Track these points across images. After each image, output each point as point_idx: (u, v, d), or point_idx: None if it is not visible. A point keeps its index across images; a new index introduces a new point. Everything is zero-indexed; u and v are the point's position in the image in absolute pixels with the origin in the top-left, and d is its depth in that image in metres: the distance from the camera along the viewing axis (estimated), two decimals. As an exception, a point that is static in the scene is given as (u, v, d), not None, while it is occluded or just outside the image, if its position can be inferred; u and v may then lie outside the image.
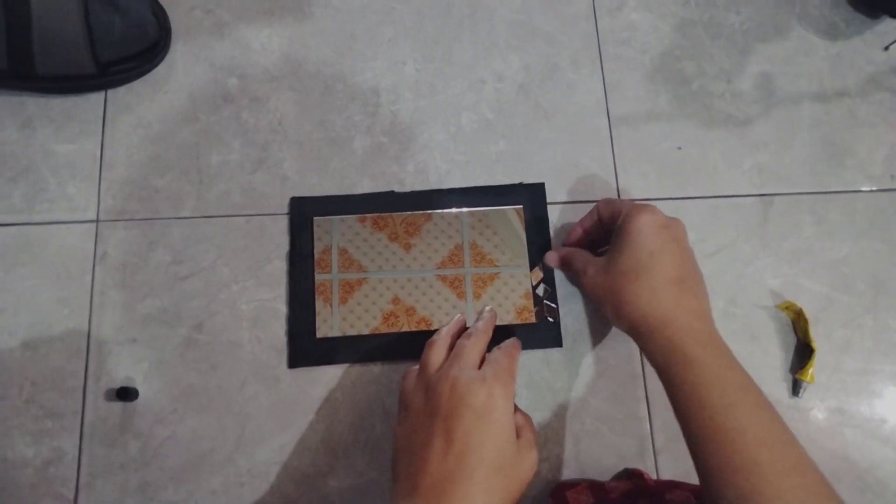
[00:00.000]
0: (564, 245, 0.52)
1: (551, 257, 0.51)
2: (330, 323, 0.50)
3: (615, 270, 0.43)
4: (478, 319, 0.46)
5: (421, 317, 0.51)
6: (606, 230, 0.48)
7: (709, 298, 0.44)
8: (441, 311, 0.51)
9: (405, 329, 0.50)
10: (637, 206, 0.44)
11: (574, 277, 0.50)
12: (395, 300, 0.51)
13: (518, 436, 0.39)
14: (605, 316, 0.46)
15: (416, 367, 0.43)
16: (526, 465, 0.38)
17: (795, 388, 0.51)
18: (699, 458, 0.38)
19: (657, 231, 0.42)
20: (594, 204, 0.49)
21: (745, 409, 0.38)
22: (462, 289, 0.52)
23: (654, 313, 0.41)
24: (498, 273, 0.52)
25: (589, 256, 0.47)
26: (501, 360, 0.41)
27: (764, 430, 0.37)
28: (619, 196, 0.55)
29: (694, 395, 0.39)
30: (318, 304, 0.51)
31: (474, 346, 0.42)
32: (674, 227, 0.44)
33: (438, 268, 0.52)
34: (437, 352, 0.42)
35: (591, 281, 0.45)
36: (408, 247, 0.52)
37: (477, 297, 0.52)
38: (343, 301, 0.51)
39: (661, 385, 0.42)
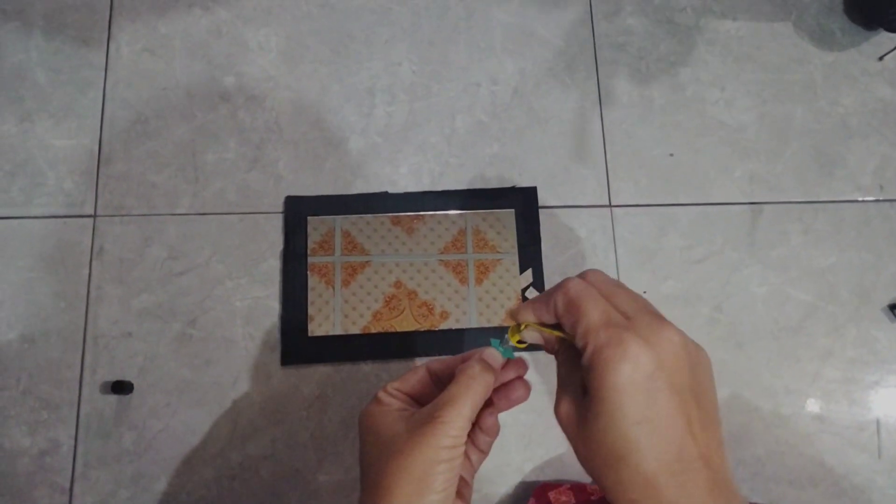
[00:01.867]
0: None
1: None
2: (332, 305, 0.51)
3: (591, 438, 0.28)
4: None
5: (422, 301, 0.52)
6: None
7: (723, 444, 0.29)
8: (443, 295, 0.52)
9: (407, 312, 0.51)
10: (613, 341, 0.27)
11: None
12: (398, 284, 0.52)
13: None
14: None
15: None
16: None
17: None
18: None
19: (644, 385, 0.27)
20: (551, 288, 0.30)
21: None
22: (464, 274, 0.53)
23: None
24: (500, 259, 0.53)
25: (562, 367, 0.31)
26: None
27: None
28: (609, 199, 0.55)
29: None
30: (321, 287, 0.51)
31: None
32: (671, 370, 0.27)
33: (441, 253, 0.53)
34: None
35: (562, 423, 0.30)
36: (410, 230, 0.53)
37: (479, 282, 0.52)
38: (346, 284, 0.52)
39: None
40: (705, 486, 0.27)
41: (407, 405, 0.34)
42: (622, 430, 0.27)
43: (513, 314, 0.32)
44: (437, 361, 0.34)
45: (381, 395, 0.34)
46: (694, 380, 0.28)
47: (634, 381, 0.26)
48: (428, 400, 0.33)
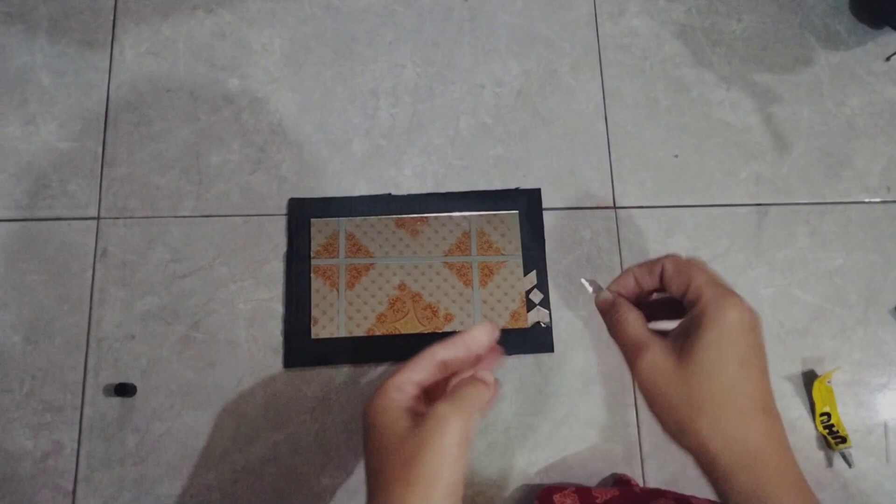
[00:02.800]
0: (609, 288, 0.38)
1: (601, 299, 0.38)
2: (336, 308, 0.51)
3: (694, 378, 0.32)
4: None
5: (427, 303, 0.52)
6: (667, 298, 0.37)
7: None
8: (447, 298, 0.52)
9: (411, 315, 0.51)
10: (723, 294, 0.32)
11: (618, 343, 0.36)
12: (402, 286, 0.52)
13: None
14: (661, 425, 0.34)
15: None
16: None
17: (847, 460, 0.51)
18: None
19: (747, 334, 0.32)
20: (659, 257, 0.35)
21: None
22: (469, 276, 0.52)
23: (741, 447, 0.31)
24: (504, 262, 0.53)
25: (647, 332, 0.35)
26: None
27: None
28: (614, 201, 0.55)
29: None
30: (325, 290, 0.51)
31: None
32: (759, 329, 0.33)
33: (446, 255, 0.53)
34: None
35: (649, 372, 0.33)
36: (415, 233, 0.53)
37: (483, 284, 0.52)
38: (350, 286, 0.52)
39: None
40: (782, 431, 0.31)
41: (415, 400, 0.34)
42: (730, 369, 0.31)
43: (614, 282, 0.37)
44: (444, 348, 0.35)
45: (389, 387, 0.34)
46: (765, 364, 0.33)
47: (743, 326, 0.32)
48: (437, 390, 0.36)
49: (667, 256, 0.35)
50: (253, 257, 0.52)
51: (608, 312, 0.37)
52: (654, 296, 0.37)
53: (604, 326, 0.51)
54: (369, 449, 0.33)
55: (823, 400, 0.52)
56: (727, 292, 0.32)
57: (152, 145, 0.54)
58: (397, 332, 0.51)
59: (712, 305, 0.32)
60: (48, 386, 0.49)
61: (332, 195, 0.54)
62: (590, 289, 0.38)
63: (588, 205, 0.55)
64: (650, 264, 0.36)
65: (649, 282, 0.36)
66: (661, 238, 0.55)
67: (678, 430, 0.33)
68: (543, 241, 0.54)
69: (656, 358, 0.33)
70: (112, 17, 0.57)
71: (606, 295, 0.37)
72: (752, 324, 0.32)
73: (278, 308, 0.52)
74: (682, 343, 0.32)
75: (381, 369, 0.51)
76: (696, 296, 0.33)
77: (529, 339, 0.52)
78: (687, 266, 0.34)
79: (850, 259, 0.55)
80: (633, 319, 0.35)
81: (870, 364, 0.53)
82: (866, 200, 0.57)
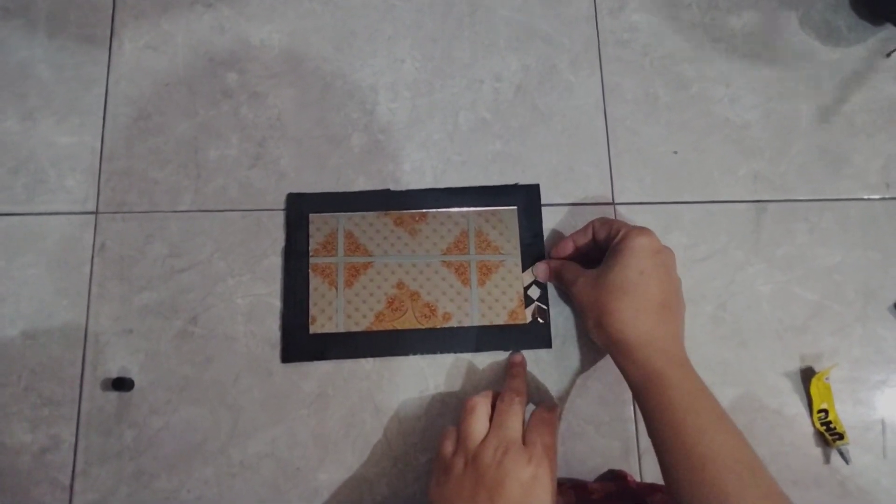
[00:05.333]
0: (552, 257, 0.52)
1: (541, 270, 0.52)
2: (335, 306, 0.51)
3: (604, 284, 0.44)
4: (509, 375, 0.48)
5: (425, 302, 0.52)
6: (598, 248, 0.49)
7: (684, 327, 0.46)
8: (445, 297, 0.52)
9: (409, 314, 0.51)
10: (635, 228, 0.45)
11: (564, 287, 0.51)
12: (400, 285, 0.52)
13: None
14: (587, 327, 0.47)
15: (453, 428, 0.44)
16: None
17: (844, 457, 0.51)
18: (670, 477, 0.40)
19: (650, 254, 0.44)
20: (589, 221, 0.50)
21: (717, 436, 0.39)
22: (467, 275, 0.52)
23: (635, 331, 0.42)
24: (503, 261, 0.53)
25: (580, 269, 0.48)
26: (545, 436, 0.42)
27: (733, 458, 0.39)
28: (613, 197, 0.55)
29: (668, 417, 0.41)
30: (323, 288, 0.51)
31: (516, 416, 0.43)
32: (665, 254, 0.45)
33: (444, 254, 0.53)
34: (477, 420, 0.43)
35: (579, 291, 0.46)
36: (414, 232, 0.53)
37: (482, 284, 0.52)
38: (348, 285, 0.52)
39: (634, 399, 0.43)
40: (671, 318, 0.44)
41: None
42: (630, 275, 0.43)
43: (555, 251, 0.51)
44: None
45: None
46: (674, 274, 0.46)
47: (644, 247, 0.44)
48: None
49: (590, 223, 0.49)
50: (251, 252, 0.52)
51: (554, 274, 0.51)
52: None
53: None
54: None
55: (821, 396, 0.52)
56: (643, 229, 0.45)
57: (151, 140, 0.54)
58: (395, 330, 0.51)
59: (627, 235, 0.45)
60: (46, 380, 0.49)
61: (330, 190, 0.54)
62: (538, 275, 0.52)
63: (587, 201, 0.55)
64: (583, 228, 0.50)
65: (582, 239, 0.49)
66: (660, 234, 0.54)
67: (596, 327, 0.45)
68: (542, 236, 0.53)
69: (586, 279, 0.46)
70: (111, 12, 0.57)
71: (542, 266, 0.52)
72: (656, 248, 0.45)
73: (276, 303, 0.52)
74: (602, 266, 0.46)
75: (379, 364, 0.51)
76: (617, 231, 0.46)
77: (527, 335, 0.52)
78: (610, 219, 0.49)
79: (849, 256, 0.55)
80: (570, 268, 0.49)
81: (868, 361, 0.53)
82: (865, 197, 0.57)
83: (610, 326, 0.43)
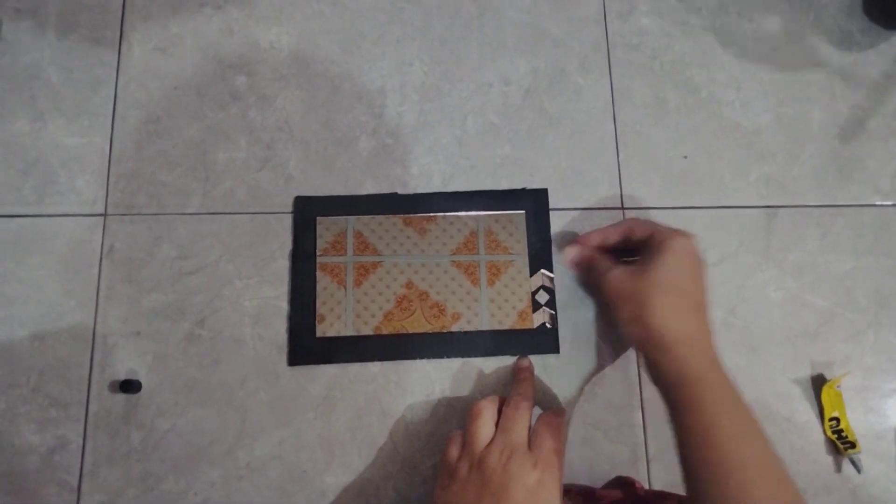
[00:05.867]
0: (575, 244, 0.51)
1: (572, 253, 0.50)
2: (344, 305, 0.51)
3: (649, 279, 0.44)
4: (516, 380, 0.48)
5: (434, 302, 0.52)
6: (627, 247, 0.49)
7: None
8: (455, 297, 0.52)
9: (418, 313, 0.51)
10: (680, 230, 0.46)
11: (592, 278, 0.50)
12: (409, 284, 0.52)
13: None
14: (619, 320, 0.45)
15: (459, 432, 0.44)
16: None
17: (856, 466, 0.51)
18: (694, 480, 0.40)
19: (695, 257, 0.45)
20: (621, 220, 0.51)
21: (750, 442, 0.39)
22: (476, 275, 0.52)
23: (678, 329, 0.42)
24: (512, 261, 0.52)
25: (614, 260, 0.48)
26: (551, 440, 0.42)
27: (762, 465, 0.38)
28: (622, 202, 0.55)
29: (701, 417, 0.40)
30: (332, 287, 0.51)
31: (522, 420, 0.43)
32: (699, 257, 0.46)
33: (453, 254, 0.52)
34: (484, 424, 0.42)
35: (615, 282, 0.46)
36: (423, 232, 0.53)
37: (491, 283, 0.52)
38: (357, 284, 0.51)
39: (662, 400, 0.43)
40: (708, 327, 0.44)
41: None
42: (675, 273, 0.44)
43: (581, 240, 0.51)
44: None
45: None
46: (707, 280, 0.46)
47: (685, 250, 0.45)
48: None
49: (624, 220, 0.51)
50: (259, 255, 0.52)
51: (585, 262, 0.50)
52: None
53: (610, 328, 0.51)
54: None
55: (833, 404, 0.51)
56: (680, 231, 0.46)
57: (159, 142, 0.54)
58: (404, 331, 0.51)
59: (667, 236, 0.45)
60: (54, 381, 0.49)
61: (338, 193, 0.54)
62: (568, 257, 0.51)
63: (596, 205, 0.55)
64: (616, 226, 0.50)
65: (615, 237, 0.49)
66: (669, 239, 0.54)
67: (633, 319, 0.44)
68: (550, 241, 0.53)
69: (620, 272, 0.46)
70: (120, 14, 0.57)
71: (573, 250, 0.51)
72: (693, 251, 0.45)
73: (284, 306, 0.51)
74: (642, 262, 0.45)
75: (386, 367, 0.51)
76: (655, 232, 0.47)
77: (535, 341, 0.51)
78: (647, 220, 0.49)
79: (861, 262, 0.55)
80: (605, 257, 0.49)
81: (880, 369, 0.53)
82: (878, 203, 0.56)
83: (652, 322, 0.43)
